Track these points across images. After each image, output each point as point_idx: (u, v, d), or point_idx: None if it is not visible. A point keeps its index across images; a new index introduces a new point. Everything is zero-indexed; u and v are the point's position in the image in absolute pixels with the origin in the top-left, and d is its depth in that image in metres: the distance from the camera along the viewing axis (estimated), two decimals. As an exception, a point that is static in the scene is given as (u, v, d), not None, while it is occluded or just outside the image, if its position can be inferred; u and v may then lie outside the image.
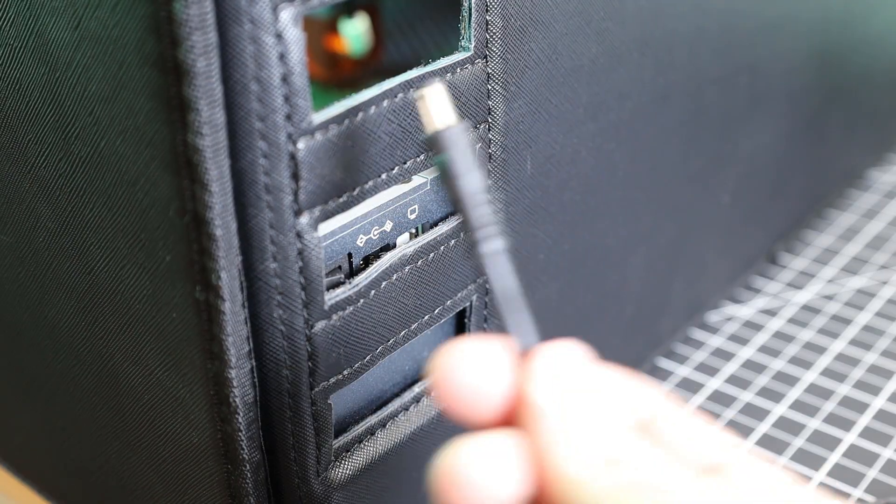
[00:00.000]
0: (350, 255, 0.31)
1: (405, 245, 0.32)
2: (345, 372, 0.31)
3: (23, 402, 0.40)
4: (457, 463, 0.24)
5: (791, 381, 0.49)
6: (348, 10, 0.50)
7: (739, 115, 0.48)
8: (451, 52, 0.31)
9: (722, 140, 0.47)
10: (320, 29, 0.50)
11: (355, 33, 0.51)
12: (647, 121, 0.41)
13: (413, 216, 0.32)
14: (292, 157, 0.27)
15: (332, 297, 0.30)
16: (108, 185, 0.28)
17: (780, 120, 0.52)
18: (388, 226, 0.31)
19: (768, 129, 0.51)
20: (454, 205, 0.26)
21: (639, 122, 0.40)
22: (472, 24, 0.31)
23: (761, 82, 0.49)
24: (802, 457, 0.44)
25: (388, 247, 0.32)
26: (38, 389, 0.38)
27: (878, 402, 0.48)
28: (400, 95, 0.29)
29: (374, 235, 0.31)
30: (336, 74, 0.52)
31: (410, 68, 0.30)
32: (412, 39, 0.52)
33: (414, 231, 0.33)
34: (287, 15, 0.25)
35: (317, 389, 0.30)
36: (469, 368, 0.24)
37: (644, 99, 0.40)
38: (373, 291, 0.31)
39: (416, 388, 0.35)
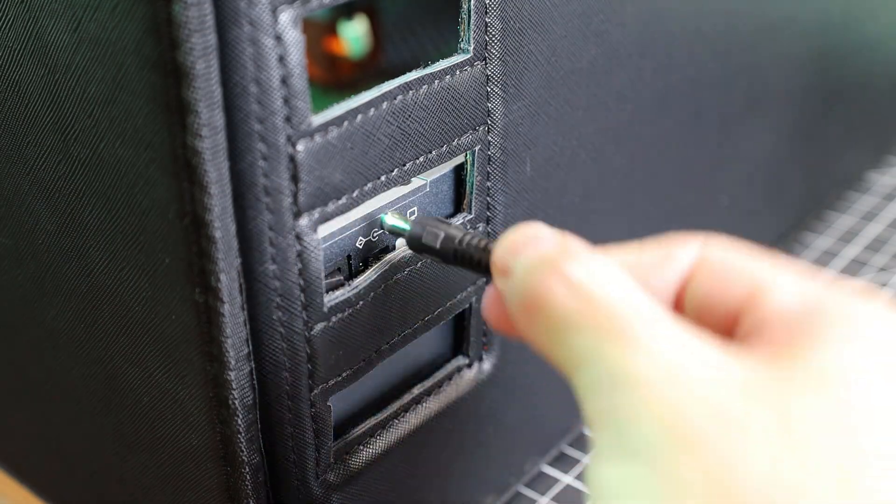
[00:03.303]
0: (349, 258, 0.31)
1: (404, 247, 0.32)
2: (344, 374, 0.31)
3: (22, 403, 0.40)
4: None
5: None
6: (347, 12, 0.51)
7: (738, 118, 0.48)
8: (450, 55, 0.31)
9: (721, 142, 0.47)
10: (319, 31, 0.50)
11: (354, 35, 0.51)
12: (646, 123, 0.41)
13: (412, 218, 0.32)
14: (291, 159, 0.27)
15: (331, 298, 0.30)
16: (107, 188, 0.28)
17: (779, 122, 0.52)
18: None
19: (767, 132, 0.51)
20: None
21: (638, 124, 0.40)
22: (472, 27, 0.31)
23: (760, 84, 0.49)
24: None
25: (388, 249, 0.32)
26: (37, 391, 0.38)
27: (878, 405, 0.48)
28: (399, 98, 0.29)
29: (374, 237, 0.31)
30: (335, 76, 0.52)
31: (410, 70, 0.30)
32: (411, 41, 0.52)
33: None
34: (286, 17, 0.25)
35: (316, 391, 0.30)
36: None
37: (643, 101, 0.40)
38: (372, 293, 0.31)
39: (416, 390, 0.35)
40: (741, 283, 0.24)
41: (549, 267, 0.24)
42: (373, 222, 0.31)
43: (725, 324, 0.24)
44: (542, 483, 0.44)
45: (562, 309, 0.23)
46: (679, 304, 0.25)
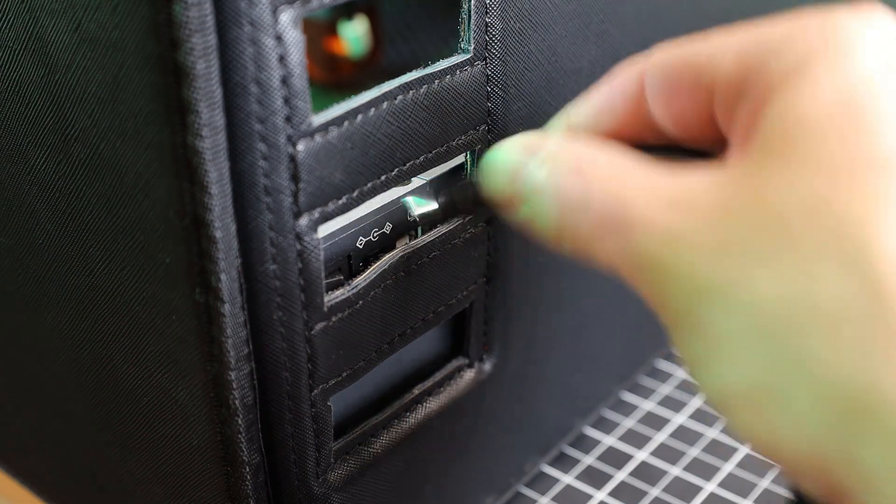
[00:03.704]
0: (349, 257, 0.31)
1: (404, 246, 0.32)
2: (344, 373, 0.31)
3: (22, 404, 0.40)
4: None
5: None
6: (348, 12, 0.51)
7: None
8: (450, 55, 0.31)
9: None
10: (320, 31, 0.50)
11: (354, 35, 0.51)
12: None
13: (412, 218, 0.32)
14: (292, 159, 0.27)
15: (331, 298, 0.30)
16: (107, 188, 0.28)
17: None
18: (388, 228, 0.31)
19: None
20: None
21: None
22: (472, 27, 0.31)
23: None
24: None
25: (388, 248, 0.32)
26: (38, 391, 0.38)
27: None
28: (399, 97, 0.29)
29: (374, 237, 0.31)
30: (335, 76, 0.52)
31: (410, 70, 0.30)
32: (411, 41, 0.52)
33: (413, 233, 0.33)
34: (287, 17, 0.25)
35: (316, 391, 0.30)
36: None
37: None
38: (372, 292, 0.31)
39: (416, 391, 0.35)
40: (692, 78, 0.24)
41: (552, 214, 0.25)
42: (373, 222, 0.31)
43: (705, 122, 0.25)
44: (542, 483, 0.44)
45: (584, 239, 0.24)
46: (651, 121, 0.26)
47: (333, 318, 0.30)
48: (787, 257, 0.20)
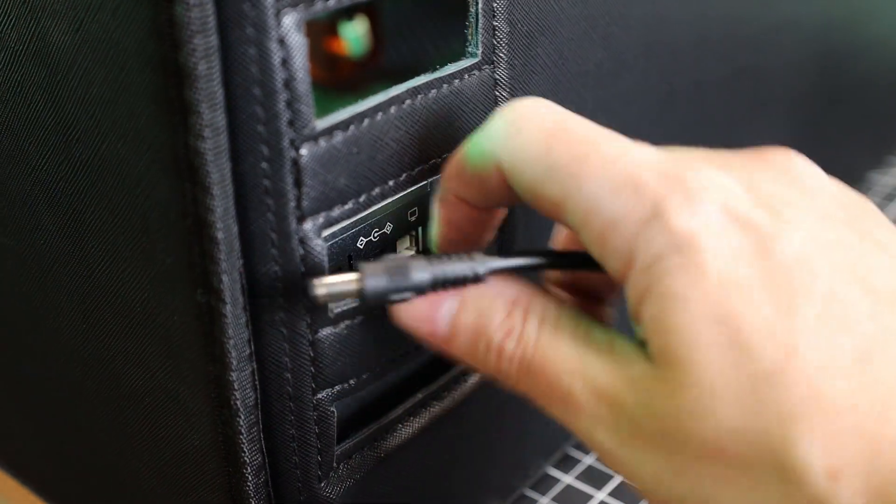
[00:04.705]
0: (350, 258, 0.30)
1: (408, 250, 0.32)
2: (351, 381, 0.31)
3: (23, 404, 0.40)
4: None
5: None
6: (348, 12, 0.50)
7: (742, 118, 0.48)
8: (450, 55, 0.31)
9: (725, 143, 0.47)
10: (319, 31, 0.50)
11: (355, 35, 0.51)
12: (652, 124, 0.41)
13: (413, 218, 0.32)
14: (295, 162, 0.27)
15: (339, 305, 0.29)
16: (109, 188, 0.28)
17: (781, 122, 0.52)
18: (389, 228, 0.31)
19: (770, 132, 0.51)
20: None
21: (644, 125, 0.40)
22: (479, 30, 0.30)
23: (763, 86, 0.49)
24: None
25: (389, 250, 0.32)
26: (39, 392, 0.38)
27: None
28: (408, 102, 0.29)
29: (375, 238, 0.31)
30: (335, 76, 0.51)
31: (410, 70, 0.30)
32: (412, 42, 0.52)
33: (414, 234, 0.32)
34: (290, 20, 0.25)
35: (320, 395, 0.30)
36: None
37: (649, 103, 0.40)
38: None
39: (421, 394, 0.35)
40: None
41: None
42: (374, 222, 0.31)
43: None
44: (543, 483, 0.44)
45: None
46: None
47: (341, 325, 0.30)
48: (733, 481, 0.23)
